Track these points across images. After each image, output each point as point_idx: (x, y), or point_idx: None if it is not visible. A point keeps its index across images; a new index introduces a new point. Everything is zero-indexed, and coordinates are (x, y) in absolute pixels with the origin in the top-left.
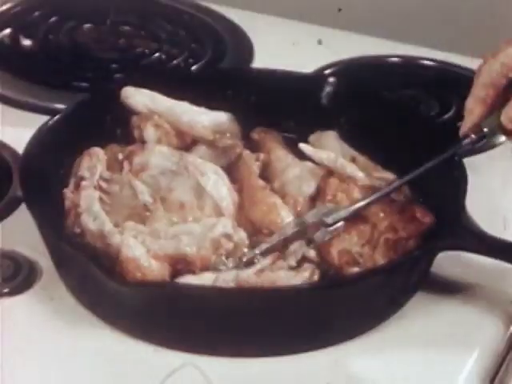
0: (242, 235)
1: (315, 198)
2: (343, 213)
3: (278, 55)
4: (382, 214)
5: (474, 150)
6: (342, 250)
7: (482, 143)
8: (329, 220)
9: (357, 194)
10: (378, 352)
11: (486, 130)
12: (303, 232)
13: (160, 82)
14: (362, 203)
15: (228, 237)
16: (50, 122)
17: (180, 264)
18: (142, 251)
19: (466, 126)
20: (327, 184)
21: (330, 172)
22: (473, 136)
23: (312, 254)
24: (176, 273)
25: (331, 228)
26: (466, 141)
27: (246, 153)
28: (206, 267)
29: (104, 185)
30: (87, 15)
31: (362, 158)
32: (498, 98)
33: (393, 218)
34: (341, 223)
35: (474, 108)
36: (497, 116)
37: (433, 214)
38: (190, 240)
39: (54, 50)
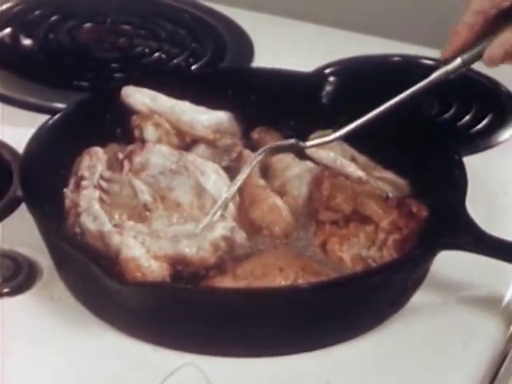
0: (242, 236)
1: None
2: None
3: (278, 55)
4: (381, 212)
5: (475, 150)
6: (354, 255)
7: (454, 74)
8: None
9: (355, 193)
10: (378, 352)
11: (459, 60)
12: None
13: (160, 81)
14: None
15: (227, 239)
16: (50, 122)
17: (179, 265)
18: (141, 251)
19: (448, 48)
20: (324, 183)
21: (329, 171)
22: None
23: None
24: (176, 273)
25: None
26: (441, 71)
27: (247, 152)
28: (206, 268)
29: (104, 184)
30: (87, 15)
31: (361, 158)
32: (485, 27)
33: (392, 214)
34: None
35: (460, 32)
36: (476, 52)
37: (431, 211)
38: (189, 241)
39: (55, 49)
